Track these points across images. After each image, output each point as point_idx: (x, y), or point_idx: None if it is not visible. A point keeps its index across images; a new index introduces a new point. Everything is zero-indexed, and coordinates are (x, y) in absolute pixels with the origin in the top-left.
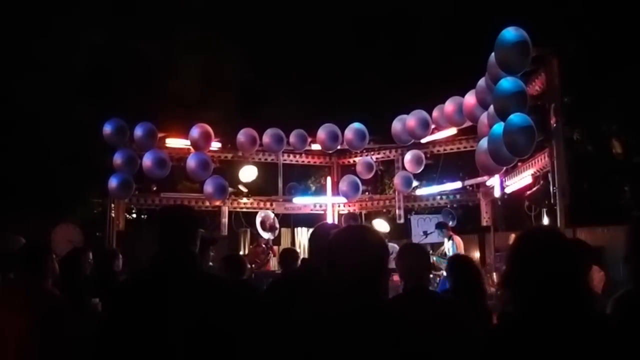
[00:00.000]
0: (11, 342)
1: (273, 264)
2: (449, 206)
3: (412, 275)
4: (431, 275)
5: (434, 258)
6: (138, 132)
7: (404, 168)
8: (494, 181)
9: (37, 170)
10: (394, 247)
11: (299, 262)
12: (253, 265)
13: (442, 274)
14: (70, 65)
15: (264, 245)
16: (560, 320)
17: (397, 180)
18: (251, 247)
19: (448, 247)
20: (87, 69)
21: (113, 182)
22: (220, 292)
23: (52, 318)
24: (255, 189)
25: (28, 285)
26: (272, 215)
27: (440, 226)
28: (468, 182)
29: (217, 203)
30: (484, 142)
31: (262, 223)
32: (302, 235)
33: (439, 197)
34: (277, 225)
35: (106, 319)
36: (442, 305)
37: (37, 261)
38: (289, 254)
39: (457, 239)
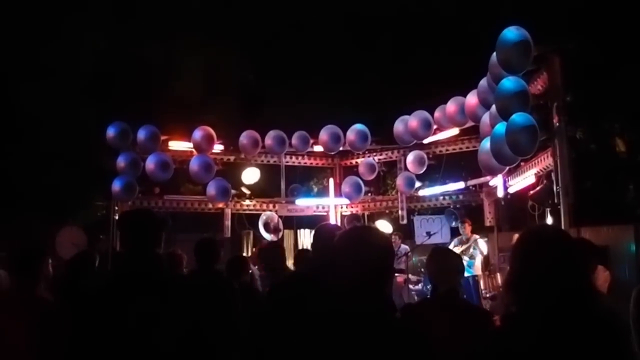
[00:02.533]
0: (2, 348)
1: None
2: (452, 206)
3: (444, 279)
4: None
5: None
6: (141, 135)
7: (406, 169)
8: (496, 181)
9: (41, 174)
10: (405, 248)
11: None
12: (256, 267)
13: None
14: (73, 69)
15: None
16: (565, 321)
17: (399, 181)
18: (254, 249)
19: (475, 248)
20: (90, 73)
21: (116, 185)
22: (188, 293)
23: (43, 324)
24: (257, 191)
25: (20, 290)
26: (277, 217)
27: (463, 223)
28: (471, 182)
29: (220, 205)
30: (486, 142)
31: (266, 224)
32: (305, 237)
33: (441, 197)
34: (281, 227)
35: (74, 326)
36: (471, 314)
37: (31, 266)
38: (302, 256)
39: (481, 239)
